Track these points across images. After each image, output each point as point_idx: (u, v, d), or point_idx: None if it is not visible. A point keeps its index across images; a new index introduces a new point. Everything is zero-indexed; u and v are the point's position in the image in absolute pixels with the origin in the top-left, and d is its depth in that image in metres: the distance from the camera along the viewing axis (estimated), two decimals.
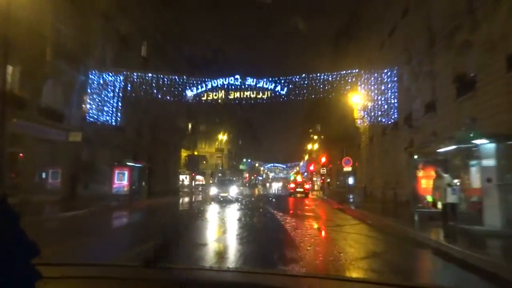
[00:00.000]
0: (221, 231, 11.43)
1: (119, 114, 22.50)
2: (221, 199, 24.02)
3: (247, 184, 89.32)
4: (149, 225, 12.33)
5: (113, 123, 22.84)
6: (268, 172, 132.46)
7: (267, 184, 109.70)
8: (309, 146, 64.23)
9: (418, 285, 2.57)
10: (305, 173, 77.40)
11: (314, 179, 61.33)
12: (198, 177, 74.84)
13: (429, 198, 11.59)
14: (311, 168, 60.42)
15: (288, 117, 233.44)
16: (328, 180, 49.90)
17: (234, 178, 51.05)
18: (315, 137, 59.65)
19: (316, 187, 57.90)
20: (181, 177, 52.40)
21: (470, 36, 14.15)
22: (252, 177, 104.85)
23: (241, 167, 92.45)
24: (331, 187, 46.61)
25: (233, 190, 26.61)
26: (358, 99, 25.79)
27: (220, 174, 74.56)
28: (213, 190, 27.26)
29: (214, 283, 1.57)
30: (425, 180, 11.74)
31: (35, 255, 0.85)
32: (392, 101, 18.18)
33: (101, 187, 22.85)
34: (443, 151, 11.12)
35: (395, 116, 17.91)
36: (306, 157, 76.96)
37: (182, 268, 1.84)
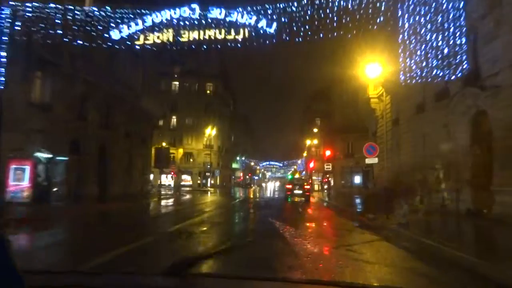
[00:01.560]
0: None
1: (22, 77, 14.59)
2: None
3: (240, 184, 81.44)
4: None
5: (18, 93, 14.94)
6: (265, 172, 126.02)
7: (263, 185, 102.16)
8: (308, 142, 56.47)
9: None
10: (304, 172, 69.84)
11: (314, 178, 53.66)
12: (185, 176, 66.69)
13: None
14: (311, 165, 52.51)
15: (287, 109, 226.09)
16: (331, 179, 42.29)
17: None
18: (315, 129, 51.93)
19: (316, 187, 50.45)
20: (162, 176, 44.43)
21: None
22: (247, 177, 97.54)
23: (233, 165, 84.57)
24: (334, 187, 39.15)
25: None
26: (377, 70, 18.62)
27: (208, 174, 66.70)
28: None
29: None
30: None
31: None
32: (457, 42, 10.32)
33: None
34: None
35: (465, 66, 10.06)
36: (305, 154, 69.16)
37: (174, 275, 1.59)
